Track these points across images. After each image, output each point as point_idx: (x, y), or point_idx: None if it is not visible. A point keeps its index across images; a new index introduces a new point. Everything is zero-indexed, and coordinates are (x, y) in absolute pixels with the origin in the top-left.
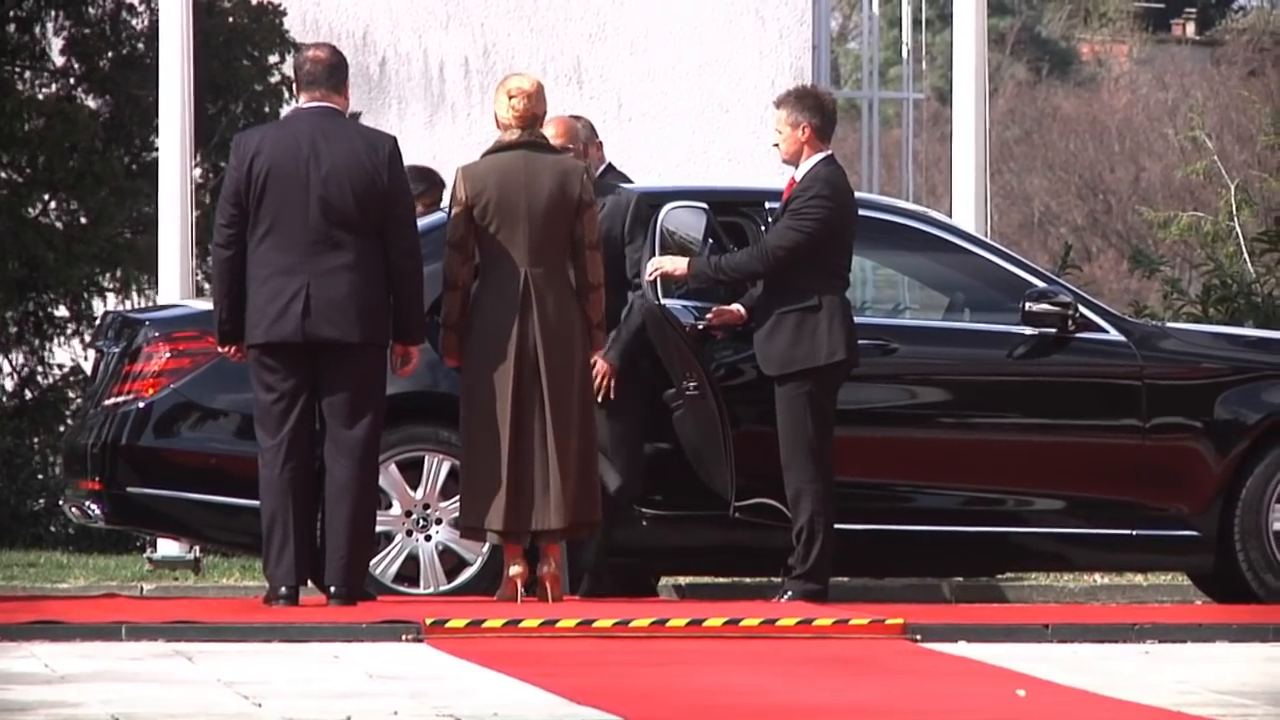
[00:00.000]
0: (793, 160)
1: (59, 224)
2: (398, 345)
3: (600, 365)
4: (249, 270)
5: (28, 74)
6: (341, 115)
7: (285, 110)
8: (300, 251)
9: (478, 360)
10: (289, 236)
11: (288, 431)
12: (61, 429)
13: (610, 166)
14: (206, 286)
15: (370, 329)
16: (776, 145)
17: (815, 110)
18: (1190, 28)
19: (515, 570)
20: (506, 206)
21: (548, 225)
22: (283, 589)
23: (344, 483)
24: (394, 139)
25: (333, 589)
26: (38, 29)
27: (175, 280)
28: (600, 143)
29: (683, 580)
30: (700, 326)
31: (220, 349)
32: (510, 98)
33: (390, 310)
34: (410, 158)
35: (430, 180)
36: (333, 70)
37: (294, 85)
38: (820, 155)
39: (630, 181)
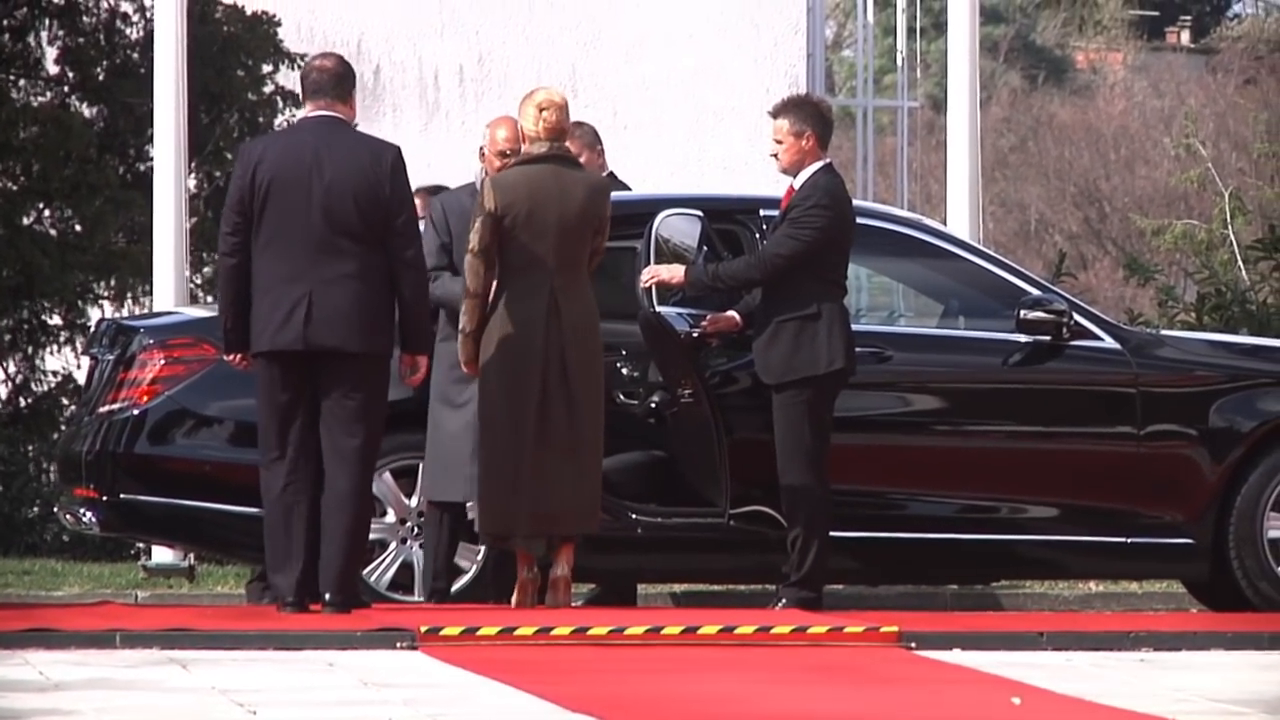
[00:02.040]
0: (792, 169)
1: (53, 232)
2: (405, 355)
3: None
4: (253, 278)
5: (22, 83)
6: (346, 125)
7: (280, 120)
8: (303, 260)
9: (501, 368)
10: (292, 245)
11: (291, 439)
12: (56, 436)
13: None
14: (200, 294)
15: (371, 339)
16: (775, 155)
17: (817, 119)
18: (1185, 35)
19: (532, 574)
20: (538, 219)
21: (575, 239)
22: (289, 598)
23: (342, 491)
24: (398, 149)
25: (328, 596)
26: (32, 38)
27: (170, 288)
28: (602, 149)
29: (678, 588)
30: (695, 334)
31: (226, 356)
32: (541, 110)
33: (392, 320)
34: None
35: None
36: (339, 80)
37: (300, 94)
38: (819, 164)
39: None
